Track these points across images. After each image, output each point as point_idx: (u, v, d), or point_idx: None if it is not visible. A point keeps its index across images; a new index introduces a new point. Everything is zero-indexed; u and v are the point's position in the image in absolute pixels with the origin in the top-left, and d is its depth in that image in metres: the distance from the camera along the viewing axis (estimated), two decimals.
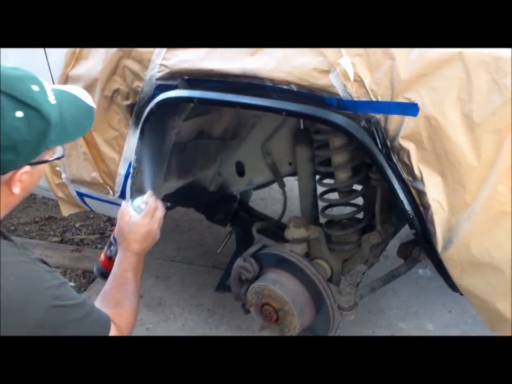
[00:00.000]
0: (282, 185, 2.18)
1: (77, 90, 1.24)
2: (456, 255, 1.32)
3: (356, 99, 1.34)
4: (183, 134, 1.89)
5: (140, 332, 2.39)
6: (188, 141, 1.97)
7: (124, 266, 1.41)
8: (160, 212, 1.48)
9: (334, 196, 1.98)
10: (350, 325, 2.26)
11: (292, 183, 2.65)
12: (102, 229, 3.38)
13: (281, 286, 1.75)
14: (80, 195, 2.12)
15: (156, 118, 1.72)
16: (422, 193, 1.34)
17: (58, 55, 1.86)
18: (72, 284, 2.78)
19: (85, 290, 2.74)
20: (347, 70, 1.32)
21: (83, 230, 3.39)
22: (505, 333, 1.38)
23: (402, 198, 1.39)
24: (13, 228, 3.41)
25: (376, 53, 1.31)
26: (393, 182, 1.39)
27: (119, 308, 1.32)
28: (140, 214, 1.44)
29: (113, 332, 1.23)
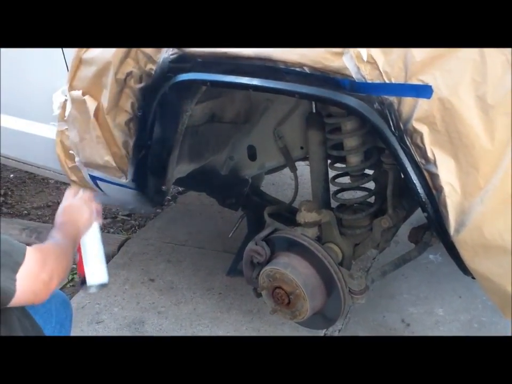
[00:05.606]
0: (294, 169, 2.18)
1: None
2: (469, 238, 1.32)
3: (369, 81, 1.33)
4: (195, 118, 1.89)
5: (151, 315, 2.42)
6: (200, 125, 1.97)
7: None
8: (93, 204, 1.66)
9: (345, 180, 1.98)
10: (360, 310, 2.27)
11: (302, 168, 2.65)
12: (114, 214, 3.40)
13: (292, 270, 1.76)
14: (93, 178, 2.12)
15: (169, 101, 1.73)
16: (434, 176, 1.33)
17: None
18: None
19: None
20: (361, 51, 1.31)
21: None
22: None
23: (415, 181, 1.38)
24: (26, 212, 3.45)
25: None
26: (406, 165, 1.38)
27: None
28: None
29: (32, 253, 1.24)
